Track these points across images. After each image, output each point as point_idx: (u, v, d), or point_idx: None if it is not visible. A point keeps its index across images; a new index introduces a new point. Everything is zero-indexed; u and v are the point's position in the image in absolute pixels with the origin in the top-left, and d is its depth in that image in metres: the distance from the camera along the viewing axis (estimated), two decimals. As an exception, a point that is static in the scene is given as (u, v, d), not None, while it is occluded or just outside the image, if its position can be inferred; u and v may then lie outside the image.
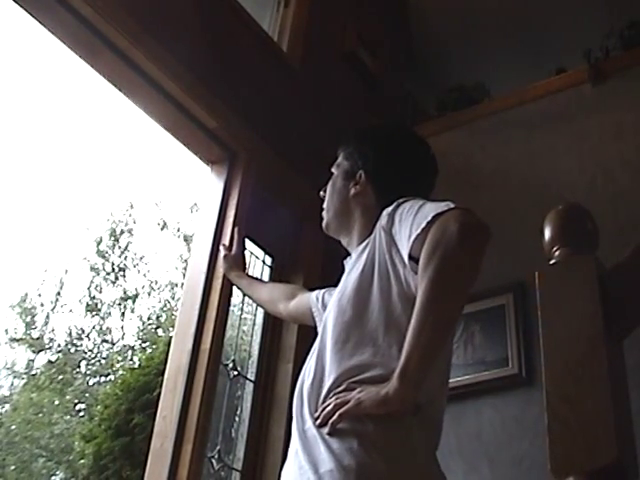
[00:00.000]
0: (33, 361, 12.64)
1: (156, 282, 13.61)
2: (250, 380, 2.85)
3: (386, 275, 1.52)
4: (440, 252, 1.35)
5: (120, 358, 12.54)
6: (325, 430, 1.39)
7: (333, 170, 1.85)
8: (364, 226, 1.71)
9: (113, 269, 13.49)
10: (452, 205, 1.41)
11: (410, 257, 1.45)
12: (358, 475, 1.31)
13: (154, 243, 16.94)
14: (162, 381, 2.57)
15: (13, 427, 11.61)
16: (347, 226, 1.76)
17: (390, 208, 1.56)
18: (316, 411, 1.44)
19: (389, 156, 1.77)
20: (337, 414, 1.38)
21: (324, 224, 1.84)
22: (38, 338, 12.67)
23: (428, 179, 1.79)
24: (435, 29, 4.43)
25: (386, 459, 1.34)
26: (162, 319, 13.08)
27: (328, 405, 1.41)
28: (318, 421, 1.41)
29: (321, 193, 1.86)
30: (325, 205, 1.84)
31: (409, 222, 1.46)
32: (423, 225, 1.40)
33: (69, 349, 12.63)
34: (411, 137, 1.85)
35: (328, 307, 1.68)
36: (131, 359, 12.12)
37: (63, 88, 17.68)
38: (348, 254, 1.75)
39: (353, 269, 1.61)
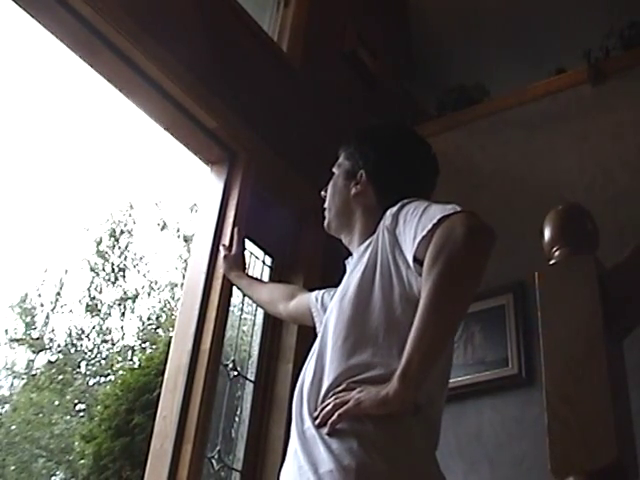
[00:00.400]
0: (33, 361, 12.64)
1: (156, 282, 13.62)
2: (250, 380, 2.85)
3: (388, 275, 1.52)
4: (445, 255, 1.35)
5: (120, 358, 12.54)
6: (324, 430, 1.39)
7: (334, 170, 1.85)
8: (365, 226, 1.71)
9: (113, 269, 13.49)
10: (458, 208, 1.41)
11: (414, 259, 1.45)
12: (358, 475, 1.31)
13: (154, 243, 16.94)
14: (162, 381, 2.57)
15: (13, 427, 11.62)
16: (348, 226, 1.76)
17: (394, 209, 1.56)
18: (315, 411, 1.44)
19: (390, 156, 1.77)
20: (336, 414, 1.38)
21: (325, 223, 1.84)
22: (38, 338, 12.67)
23: (429, 179, 1.79)
24: (435, 29, 4.43)
25: (386, 459, 1.34)
26: (162, 319, 13.08)
27: (327, 405, 1.41)
28: (317, 421, 1.41)
29: (322, 193, 1.86)
30: (326, 205, 1.84)
31: (414, 224, 1.46)
32: (429, 227, 1.40)
33: (69, 349, 12.64)
34: (412, 137, 1.85)
35: (329, 307, 1.68)
36: (131, 359, 12.12)
37: (63, 88, 17.68)
38: (349, 254, 1.75)
39: (355, 269, 1.61)
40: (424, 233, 1.41)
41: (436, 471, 1.44)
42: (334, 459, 1.34)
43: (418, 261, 1.43)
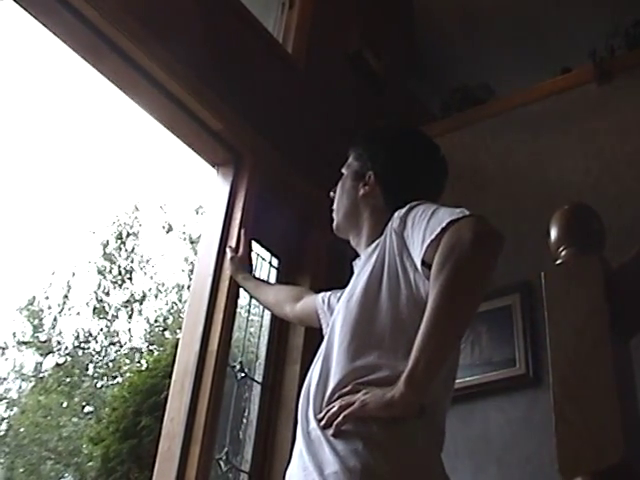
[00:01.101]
0: (41, 364, 12.67)
1: (163, 284, 13.64)
2: (257, 382, 2.86)
3: (395, 278, 1.52)
4: (453, 260, 1.35)
5: (127, 360, 12.56)
6: (330, 431, 1.39)
7: (343, 171, 1.85)
8: (373, 227, 1.71)
9: (120, 272, 13.51)
10: (466, 212, 1.41)
11: (422, 262, 1.45)
12: (363, 477, 1.31)
13: (160, 246, 16.96)
14: (169, 383, 2.58)
15: (22, 430, 11.64)
16: (356, 227, 1.77)
17: (402, 211, 1.56)
18: (320, 412, 1.44)
19: (398, 158, 1.77)
20: (342, 416, 1.38)
21: (334, 225, 1.84)
22: (46, 341, 12.70)
23: (438, 181, 1.79)
24: (440, 29, 4.43)
25: (391, 460, 1.34)
26: (169, 321, 13.09)
27: (333, 407, 1.42)
28: (322, 422, 1.42)
29: (331, 194, 1.87)
30: (335, 206, 1.84)
31: (422, 227, 1.46)
32: (437, 231, 1.40)
33: (77, 352, 12.66)
34: (421, 139, 1.85)
35: (336, 308, 1.68)
36: (138, 361, 12.13)
37: (68, 91, 17.71)
38: (357, 255, 1.75)
39: (362, 271, 1.61)
40: (432, 237, 1.41)
41: (441, 472, 1.44)
42: (339, 460, 1.34)
43: (426, 264, 1.43)
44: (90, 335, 12.80)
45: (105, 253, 13.57)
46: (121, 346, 12.89)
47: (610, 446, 1.13)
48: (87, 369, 12.59)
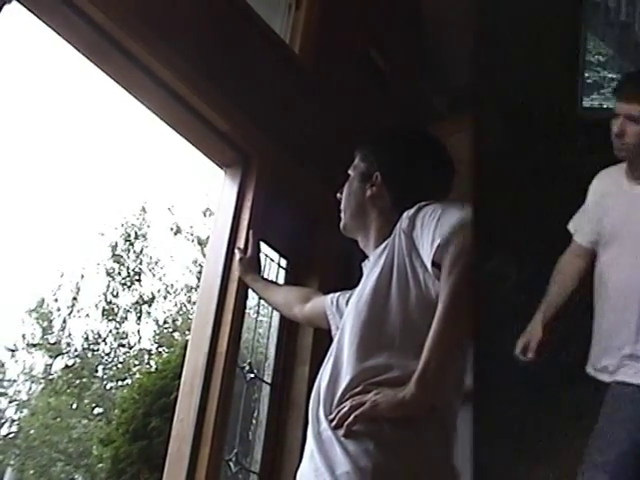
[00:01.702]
0: (50, 366, 12.73)
1: (172, 286, 13.67)
2: (267, 382, 2.86)
3: (405, 278, 1.52)
4: (463, 261, 1.36)
5: (137, 362, 12.60)
6: (341, 432, 1.39)
7: (350, 172, 1.85)
8: (381, 228, 1.71)
9: (128, 273, 13.56)
10: None
11: (432, 263, 1.44)
12: (374, 476, 1.32)
13: (168, 247, 17.02)
14: (179, 384, 2.58)
15: (32, 431, 11.70)
16: (364, 228, 1.76)
17: (411, 211, 1.56)
18: (331, 413, 1.44)
19: (405, 158, 1.76)
20: (352, 416, 1.38)
21: (342, 226, 1.84)
22: (55, 343, 12.76)
23: (444, 181, 1.78)
24: (448, 28, 4.42)
25: (402, 460, 1.34)
26: (178, 322, 13.13)
27: (344, 407, 1.41)
28: (333, 423, 1.42)
29: (338, 195, 1.86)
30: (342, 207, 1.84)
31: (432, 227, 1.46)
32: (447, 232, 1.40)
33: (86, 354, 12.71)
34: (428, 139, 1.84)
35: (347, 310, 1.68)
36: (148, 363, 12.18)
37: (75, 93, 17.77)
38: (365, 256, 1.74)
39: (371, 272, 1.61)
40: (442, 237, 1.41)
41: (451, 472, 1.44)
42: (350, 460, 1.34)
43: (436, 265, 1.43)
44: (99, 337, 12.86)
45: (114, 255, 13.62)
46: (130, 348, 12.93)
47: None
48: (96, 371, 12.64)
